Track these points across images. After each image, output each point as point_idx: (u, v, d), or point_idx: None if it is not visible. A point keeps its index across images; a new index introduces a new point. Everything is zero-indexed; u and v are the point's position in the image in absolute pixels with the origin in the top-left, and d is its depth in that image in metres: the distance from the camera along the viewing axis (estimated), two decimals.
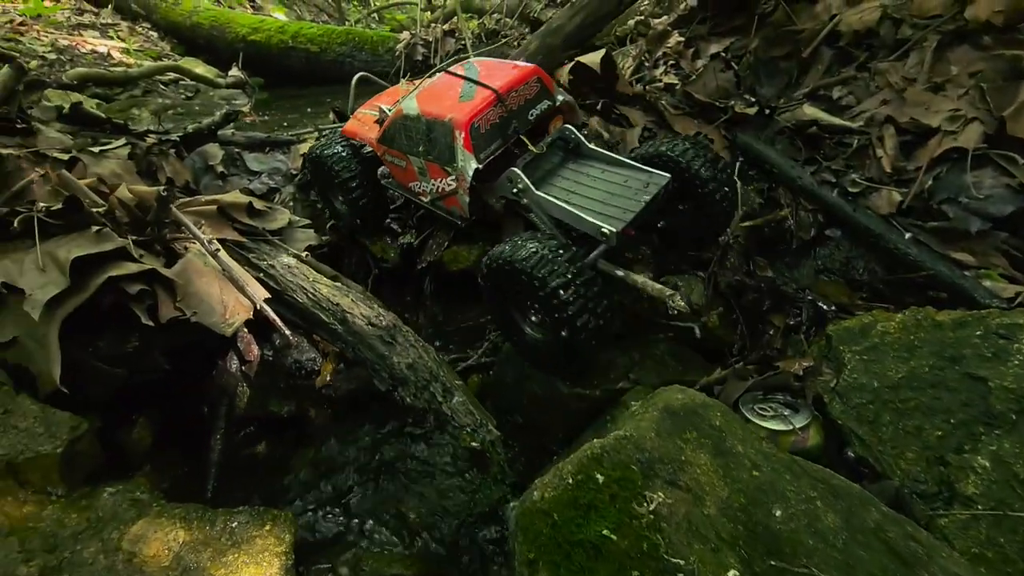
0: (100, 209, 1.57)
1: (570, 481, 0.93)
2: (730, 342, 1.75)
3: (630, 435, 0.98)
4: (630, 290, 1.52)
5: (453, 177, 1.65)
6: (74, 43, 6.48)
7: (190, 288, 1.52)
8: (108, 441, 1.54)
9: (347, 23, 11.40)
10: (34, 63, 5.33)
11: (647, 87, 2.50)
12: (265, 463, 1.77)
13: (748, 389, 1.45)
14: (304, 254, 1.97)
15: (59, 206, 1.46)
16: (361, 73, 2.27)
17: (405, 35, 7.32)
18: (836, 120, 2.31)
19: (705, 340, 1.74)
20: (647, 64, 3.74)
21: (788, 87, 3.22)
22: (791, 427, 1.31)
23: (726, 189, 1.66)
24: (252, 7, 10.90)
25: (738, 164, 2.19)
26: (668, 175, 1.57)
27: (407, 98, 1.76)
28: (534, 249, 1.38)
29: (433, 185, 1.75)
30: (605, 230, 1.45)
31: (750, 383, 1.42)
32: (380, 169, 2.01)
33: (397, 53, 7.00)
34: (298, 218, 2.04)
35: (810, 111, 2.39)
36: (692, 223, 1.75)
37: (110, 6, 7.71)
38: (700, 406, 1.09)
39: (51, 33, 6.43)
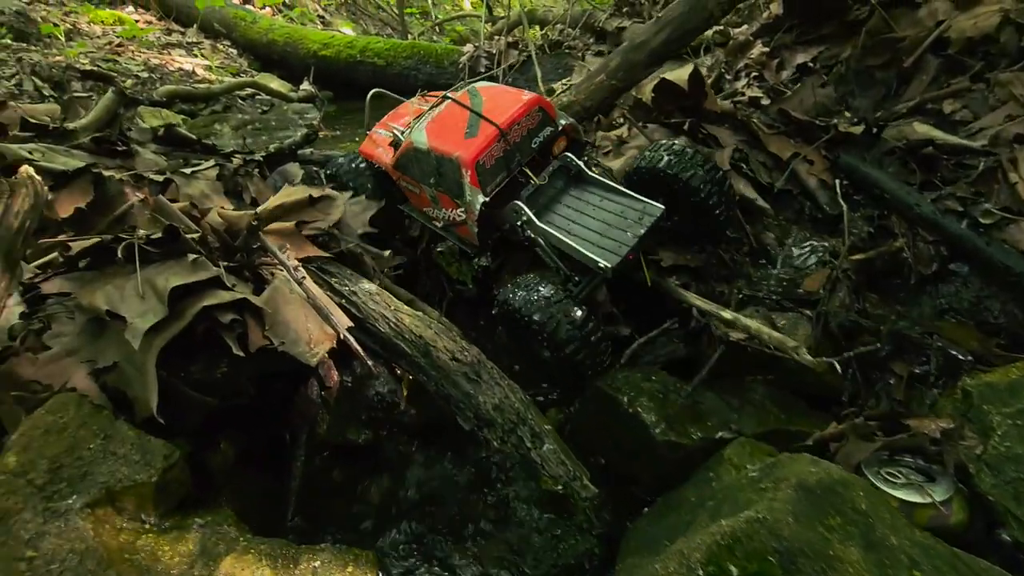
0: (194, 236, 1.59)
1: (700, 573, 0.82)
2: (839, 388, 1.58)
3: (763, 518, 0.86)
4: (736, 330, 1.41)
5: (463, 209, 1.75)
6: (163, 62, 6.91)
7: (277, 316, 1.51)
8: (193, 462, 1.56)
9: (410, 36, 11.69)
10: (129, 82, 5.71)
11: (736, 103, 2.35)
12: (342, 491, 1.75)
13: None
14: (384, 270, 1.97)
15: (159, 234, 1.49)
16: (376, 89, 2.35)
17: (468, 48, 7.39)
18: (954, 139, 2.09)
19: (810, 384, 1.59)
20: (727, 76, 3.56)
21: (886, 99, 2.97)
22: (930, 500, 1.15)
23: (717, 196, 1.73)
24: (322, 23, 11.37)
25: (840, 188, 2.01)
26: (662, 207, 1.66)
27: (417, 129, 1.86)
28: (536, 299, 1.56)
29: (445, 213, 1.86)
30: (601, 264, 1.57)
31: (877, 445, 1.26)
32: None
33: (461, 66, 7.06)
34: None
35: (921, 129, 2.18)
36: (692, 228, 1.85)
37: (195, 25, 8.19)
38: (840, 483, 0.95)
39: (144, 53, 6.89)
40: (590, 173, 1.82)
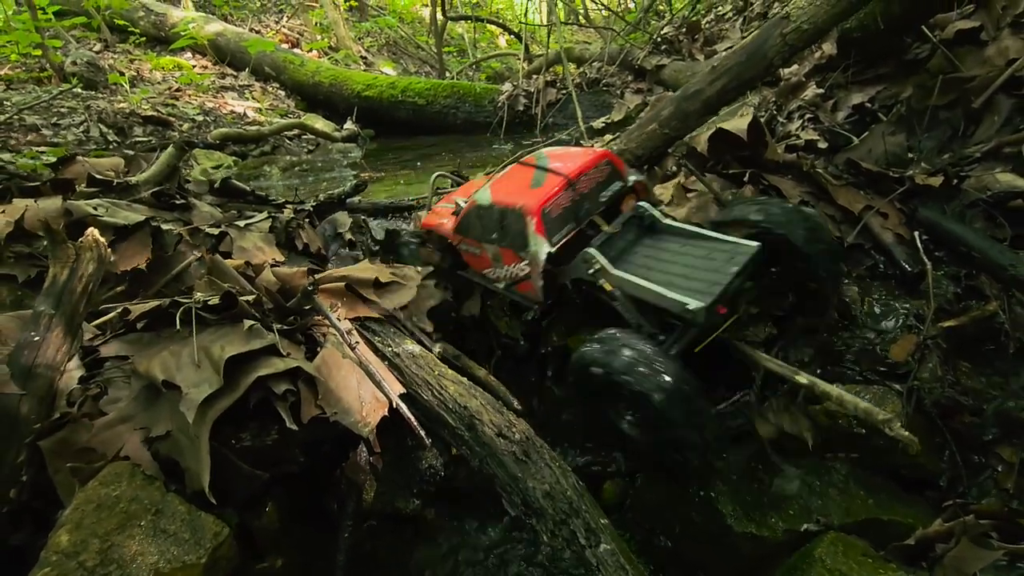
0: (249, 298, 1.58)
1: None
2: (936, 472, 1.43)
3: None
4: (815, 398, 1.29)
5: (526, 262, 1.67)
6: (217, 105, 7.25)
7: (330, 383, 1.47)
8: (238, 526, 1.51)
9: (448, 74, 12.03)
10: (186, 126, 5.99)
11: (797, 153, 2.24)
12: (388, 562, 1.67)
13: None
14: (429, 328, 1.92)
15: (215, 300, 1.48)
16: (439, 172, 2.40)
17: (507, 86, 7.50)
18: None
19: (902, 466, 1.44)
20: (779, 118, 3.46)
21: (953, 140, 2.82)
22: None
23: (832, 266, 1.54)
24: (365, 64, 11.80)
25: (920, 243, 1.87)
26: (757, 244, 1.48)
27: (481, 189, 1.83)
28: (628, 355, 1.32)
29: (507, 271, 1.78)
30: (691, 306, 1.35)
31: (996, 554, 1.11)
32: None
33: (499, 104, 7.17)
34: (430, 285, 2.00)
35: (1006, 178, 2.03)
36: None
37: (247, 69, 8.60)
38: None
39: (199, 97, 7.24)
40: (666, 221, 1.70)
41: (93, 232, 1.57)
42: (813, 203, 2.04)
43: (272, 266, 1.89)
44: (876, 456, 1.45)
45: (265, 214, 2.31)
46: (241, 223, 2.22)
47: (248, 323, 1.44)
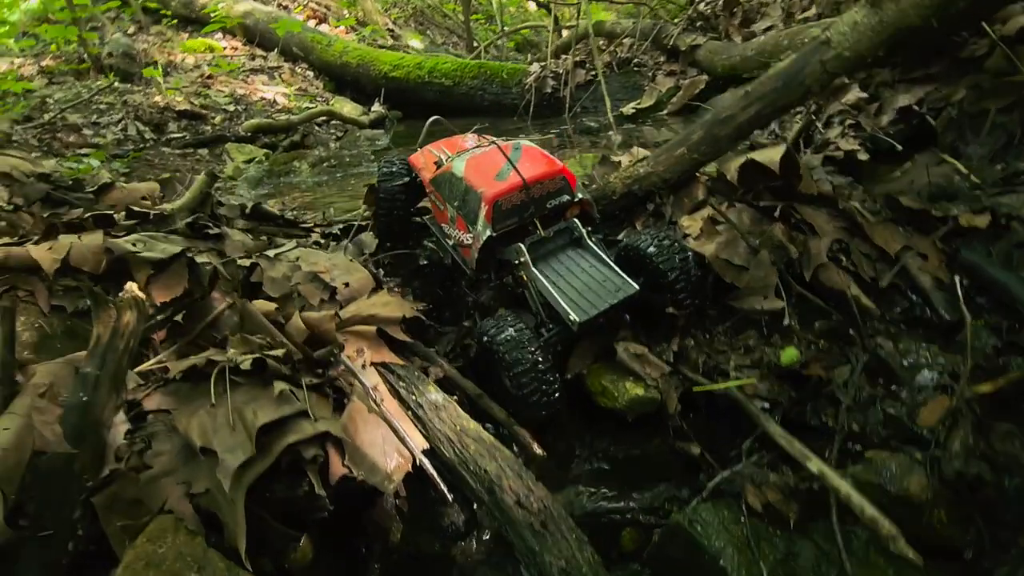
0: (279, 352, 1.64)
1: None
2: (961, 544, 1.41)
3: None
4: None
5: (472, 235, 2.02)
6: (248, 91, 7.31)
7: (356, 440, 1.53)
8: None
9: (475, 42, 11.80)
10: (219, 118, 6.08)
11: (834, 187, 2.13)
12: None
13: None
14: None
15: (247, 365, 1.54)
16: (435, 117, 2.67)
17: (535, 67, 7.31)
18: None
19: (924, 535, 1.42)
20: (817, 124, 3.29)
21: (1007, 148, 2.66)
22: None
23: (684, 282, 1.91)
24: (392, 36, 11.64)
25: (960, 288, 1.78)
26: (636, 288, 1.85)
27: (460, 158, 2.16)
28: (510, 333, 1.80)
29: (457, 234, 2.14)
30: (572, 317, 1.77)
31: None
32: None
33: (527, 86, 7.00)
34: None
35: None
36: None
37: (276, 50, 8.62)
38: None
39: (230, 83, 7.30)
40: (588, 241, 2.02)
41: (132, 288, 1.65)
42: (847, 240, 1.96)
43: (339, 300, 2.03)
44: (897, 523, 1.43)
45: (293, 243, 2.36)
46: (271, 253, 2.27)
47: (279, 387, 1.50)
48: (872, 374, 1.69)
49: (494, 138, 2.42)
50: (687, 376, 1.76)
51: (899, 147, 2.76)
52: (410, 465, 1.55)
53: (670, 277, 1.88)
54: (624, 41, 7.12)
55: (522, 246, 1.95)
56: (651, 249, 1.93)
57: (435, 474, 1.53)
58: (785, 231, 1.95)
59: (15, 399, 1.60)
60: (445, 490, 1.53)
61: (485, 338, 1.86)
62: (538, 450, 1.87)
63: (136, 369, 1.78)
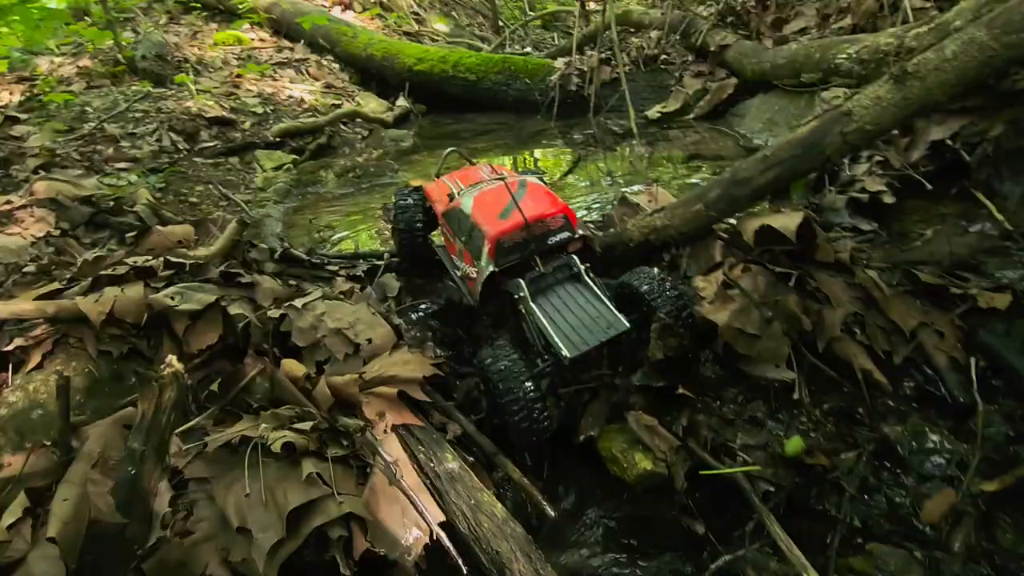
0: (307, 426, 1.76)
1: None
2: None
3: None
4: None
5: (476, 269, 2.17)
6: (275, 90, 7.40)
7: (378, 515, 1.65)
8: None
9: (501, 23, 11.60)
10: (248, 123, 6.20)
11: (852, 253, 2.09)
12: None
13: None
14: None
15: (278, 448, 1.66)
16: (452, 148, 2.93)
17: (560, 63, 7.20)
18: None
19: None
20: (844, 160, 3.21)
21: None
22: None
23: (674, 319, 1.99)
24: (416, 20, 11.53)
25: (975, 370, 1.78)
26: (628, 326, 1.94)
27: (469, 194, 2.31)
28: (504, 364, 1.94)
29: (464, 267, 2.29)
30: (564, 352, 1.87)
31: None
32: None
33: (552, 84, 6.91)
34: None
35: None
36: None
37: (302, 42, 8.66)
38: None
39: (258, 81, 7.39)
40: (586, 277, 2.11)
41: (172, 361, 1.78)
42: (863, 312, 1.95)
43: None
44: None
45: (319, 293, 2.46)
46: (298, 303, 2.38)
47: (306, 469, 1.62)
48: (878, 456, 1.71)
49: (505, 171, 2.65)
50: (695, 452, 1.81)
51: (929, 185, 2.70)
52: (427, 538, 1.66)
53: (661, 314, 1.98)
54: (651, 35, 6.93)
55: (522, 281, 2.08)
56: (644, 287, 2.05)
57: (451, 547, 1.64)
58: (799, 302, 1.96)
59: (72, 466, 1.77)
60: (460, 562, 1.63)
61: (482, 367, 2.02)
62: (550, 511, 1.97)
63: (177, 430, 1.93)
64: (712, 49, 5.85)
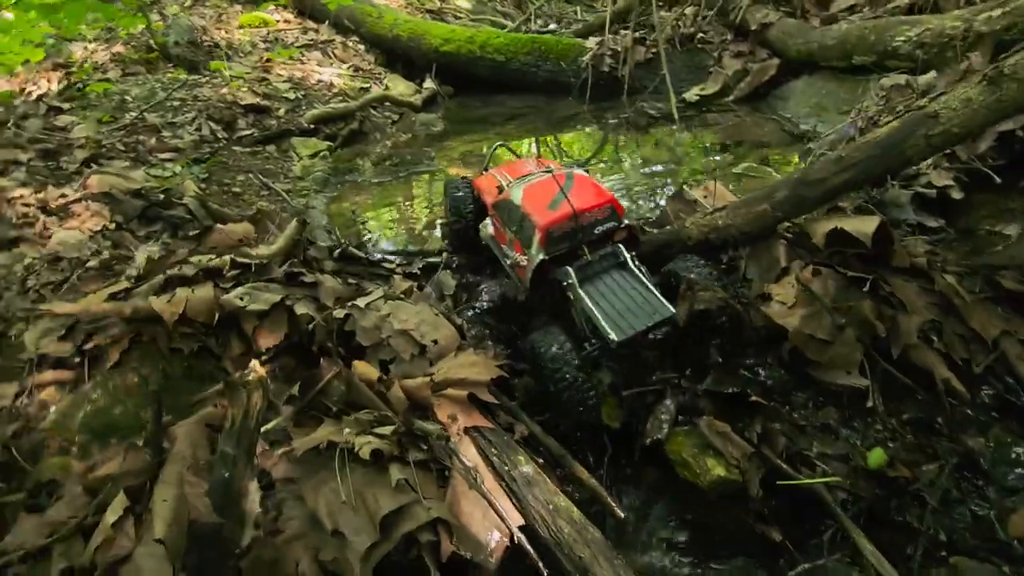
0: (387, 431, 1.81)
1: None
2: None
3: None
4: None
5: (527, 258, 2.26)
6: (304, 74, 7.38)
7: (461, 519, 1.70)
8: None
9: None
10: (282, 110, 6.21)
11: (929, 258, 2.04)
12: None
13: None
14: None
15: (367, 455, 1.71)
16: (500, 143, 3.10)
17: (591, 43, 7.03)
18: None
19: None
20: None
21: None
22: None
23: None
24: None
25: None
26: (673, 311, 2.01)
27: (518, 185, 2.37)
28: (554, 350, 2.03)
29: (515, 256, 2.37)
30: (612, 336, 1.96)
31: None
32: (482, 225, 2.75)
33: (583, 64, 6.76)
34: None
35: None
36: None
37: (327, 23, 8.59)
38: None
39: (288, 66, 7.37)
40: (631, 265, 2.19)
41: (256, 367, 1.83)
42: (941, 318, 1.92)
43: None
44: None
45: (380, 292, 2.50)
46: (361, 303, 2.42)
47: (394, 476, 1.67)
48: (960, 467, 1.71)
49: (551, 164, 2.69)
50: (769, 459, 1.82)
51: (998, 179, 2.61)
52: (508, 541, 1.70)
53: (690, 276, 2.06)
54: (687, 12, 6.72)
55: (570, 269, 2.16)
56: (691, 275, 2.11)
57: (532, 551, 1.69)
58: (873, 307, 1.93)
59: (165, 466, 1.84)
60: (541, 565, 1.68)
61: (533, 350, 2.11)
62: (619, 512, 2.00)
63: (263, 429, 1.99)
64: (753, 28, 5.67)
